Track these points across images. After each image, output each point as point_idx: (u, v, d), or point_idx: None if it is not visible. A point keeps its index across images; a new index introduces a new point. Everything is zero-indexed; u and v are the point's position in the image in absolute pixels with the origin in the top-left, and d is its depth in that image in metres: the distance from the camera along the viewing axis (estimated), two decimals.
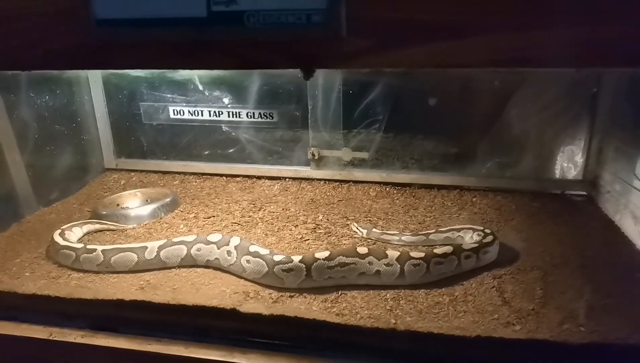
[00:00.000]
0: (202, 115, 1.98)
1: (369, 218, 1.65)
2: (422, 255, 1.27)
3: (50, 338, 1.17)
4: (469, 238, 1.42)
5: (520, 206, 1.71)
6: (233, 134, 2.01)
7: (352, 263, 1.25)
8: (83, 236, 1.58)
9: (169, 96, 1.99)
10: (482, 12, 0.80)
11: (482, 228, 1.43)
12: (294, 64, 0.88)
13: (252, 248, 1.31)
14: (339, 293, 1.22)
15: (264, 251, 1.30)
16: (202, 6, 0.85)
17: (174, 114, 2.00)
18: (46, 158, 1.84)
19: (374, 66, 1.00)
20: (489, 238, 1.36)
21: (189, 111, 1.98)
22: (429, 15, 0.81)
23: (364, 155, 1.91)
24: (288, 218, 1.66)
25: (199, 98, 1.97)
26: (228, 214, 1.70)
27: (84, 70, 1.86)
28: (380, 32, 0.83)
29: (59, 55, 0.97)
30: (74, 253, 1.37)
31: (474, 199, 1.78)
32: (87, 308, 1.21)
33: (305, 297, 1.21)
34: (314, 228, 1.57)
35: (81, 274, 1.36)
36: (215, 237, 1.38)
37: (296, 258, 1.24)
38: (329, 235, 1.53)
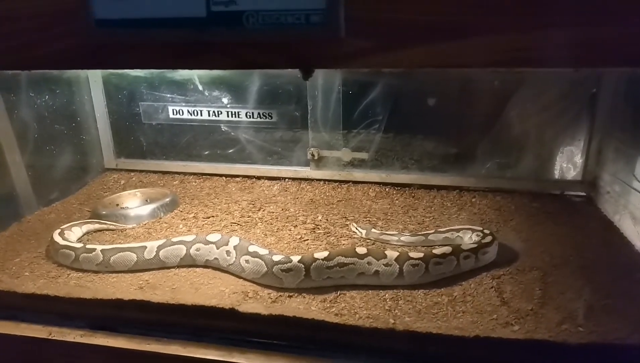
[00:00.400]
0: (201, 115, 1.98)
1: (368, 219, 1.65)
2: (421, 255, 1.27)
3: (50, 337, 1.18)
4: (468, 239, 1.42)
5: (520, 206, 1.71)
6: (232, 134, 2.01)
7: (351, 263, 1.25)
8: (82, 235, 1.58)
9: (168, 95, 1.99)
10: (482, 13, 0.80)
11: (481, 229, 1.43)
12: (293, 65, 0.88)
13: (251, 248, 1.31)
14: (338, 293, 1.22)
15: (263, 251, 1.30)
16: (201, 6, 0.85)
17: (174, 114, 2.00)
18: (46, 158, 1.84)
19: (373, 66, 1.01)
20: (488, 239, 1.36)
21: (189, 111, 1.99)
22: (428, 15, 0.81)
23: (364, 155, 1.92)
24: (287, 218, 1.66)
25: (198, 98, 1.97)
26: (227, 214, 1.70)
27: (84, 70, 1.86)
28: (380, 33, 0.83)
29: (59, 55, 0.97)
30: (73, 253, 1.38)
31: (473, 200, 1.78)
32: (86, 308, 1.21)
33: (304, 297, 1.21)
34: (313, 228, 1.57)
35: (80, 273, 1.36)
36: (214, 237, 1.38)
37: (295, 258, 1.24)
38: (328, 235, 1.53)
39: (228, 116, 1.96)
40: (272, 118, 1.92)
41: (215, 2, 0.85)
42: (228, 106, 1.95)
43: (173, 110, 2.00)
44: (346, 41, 0.83)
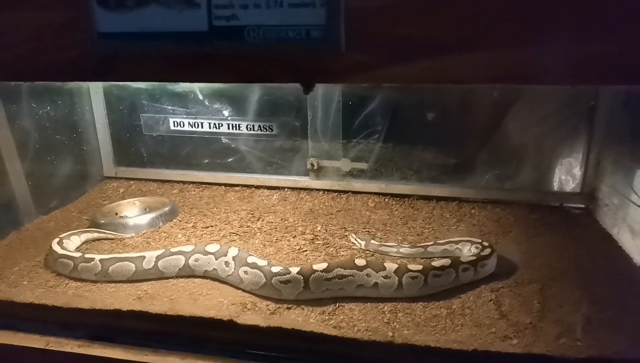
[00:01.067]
0: (202, 127, 1.99)
1: (367, 229, 1.65)
2: (420, 267, 1.27)
3: (47, 347, 1.17)
4: (467, 251, 1.42)
5: (519, 218, 1.71)
6: (233, 146, 2.02)
7: (350, 275, 1.25)
8: (81, 245, 1.58)
9: (169, 107, 2.00)
10: (481, 29, 0.81)
11: (480, 241, 1.43)
12: (293, 79, 0.89)
13: (250, 259, 1.31)
14: (337, 305, 1.22)
15: (261, 262, 1.30)
16: (203, 21, 0.86)
17: (174, 126, 2.01)
18: (46, 167, 1.85)
19: (373, 81, 1.01)
20: (487, 251, 1.36)
21: (189, 123, 1.99)
22: (427, 31, 0.82)
23: (363, 166, 1.92)
24: (286, 228, 1.66)
25: (199, 110, 1.98)
26: (226, 224, 1.70)
27: (86, 82, 1.87)
28: (379, 48, 0.84)
29: (61, 67, 0.98)
30: (72, 262, 1.37)
31: (472, 211, 1.78)
32: (84, 318, 1.21)
33: (302, 309, 1.21)
34: (312, 239, 1.57)
35: (79, 283, 1.36)
36: (213, 247, 1.38)
37: (294, 270, 1.24)
38: (327, 246, 1.53)
39: (229, 129, 1.96)
40: (272, 131, 1.93)
41: (217, 16, 0.86)
42: (229, 118, 1.95)
43: (174, 122, 2.00)
44: (346, 56, 0.84)
